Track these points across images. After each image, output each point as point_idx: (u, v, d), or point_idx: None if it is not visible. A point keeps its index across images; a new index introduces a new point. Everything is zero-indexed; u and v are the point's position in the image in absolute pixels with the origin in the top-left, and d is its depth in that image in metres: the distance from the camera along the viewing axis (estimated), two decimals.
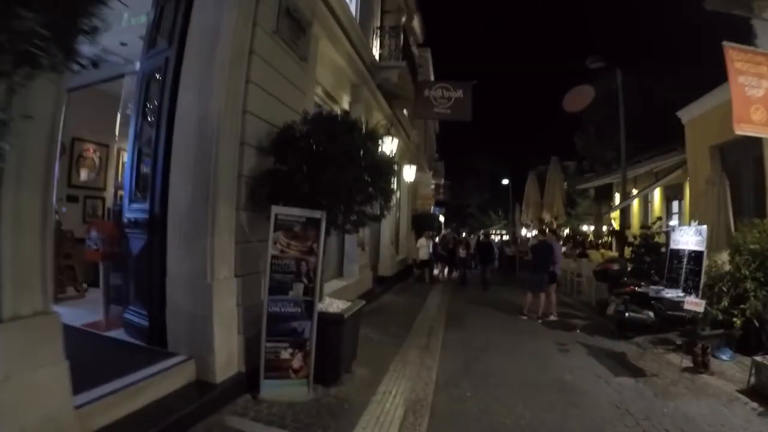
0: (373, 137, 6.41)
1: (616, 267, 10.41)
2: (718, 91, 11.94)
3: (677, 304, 8.58)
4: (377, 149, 6.36)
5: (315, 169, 5.88)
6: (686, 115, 14.00)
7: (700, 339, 7.93)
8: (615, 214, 26.58)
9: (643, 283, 9.97)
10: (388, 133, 12.63)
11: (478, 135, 74.87)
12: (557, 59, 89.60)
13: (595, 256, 21.25)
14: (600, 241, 27.14)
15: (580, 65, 15.08)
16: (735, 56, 9.12)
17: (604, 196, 30.06)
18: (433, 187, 32.19)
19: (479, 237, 23.14)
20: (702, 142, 13.10)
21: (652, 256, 12.08)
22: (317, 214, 5.91)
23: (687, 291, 8.01)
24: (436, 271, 21.44)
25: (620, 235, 14.71)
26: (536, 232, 25.72)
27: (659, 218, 16.05)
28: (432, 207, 34.07)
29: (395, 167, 6.84)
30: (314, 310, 5.95)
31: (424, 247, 19.32)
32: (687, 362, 7.75)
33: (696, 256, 8.02)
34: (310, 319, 5.94)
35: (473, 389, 6.62)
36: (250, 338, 5.94)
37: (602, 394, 6.61)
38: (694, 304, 7.26)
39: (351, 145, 5.95)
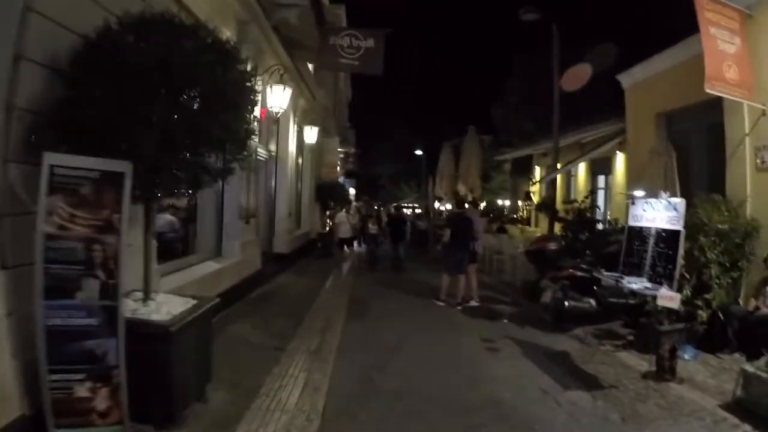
0: (225, 55, 4.13)
1: (553, 246, 8.68)
2: (670, 52, 10.49)
3: (621, 291, 7.41)
4: (229, 72, 4.03)
5: (123, 95, 3.60)
6: (628, 79, 12.44)
7: (657, 335, 6.31)
8: (535, 189, 25.60)
9: (583, 265, 8.34)
10: (281, 81, 10.37)
11: (392, 102, 72.84)
12: (482, 21, 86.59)
13: (514, 231, 19.98)
14: (516, 216, 25.99)
15: (510, 25, 13.35)
16: (706, 5, 7.45)
17: (521, 169, 29.05)
18: (342, 155, 30.04)
19: (389, 210, 20.68)
20: (646, 109, 11.63)
21: (587, 233, 10.53)
22: (119, 165, 3.63)
23: (655, 280, 6.28)
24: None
25: (551, 209, 13.00)
26: (451, 205, 24.27)
27: (591, 192, 14.62)
28: (342, 177, 31.95)
29: (254, 96, 4.58)
30: (119, 320, 3.72)
31: (345, 224, 17.28)
32: (644, 364, 6.24)
33: (668, 237, 6.25)
34: (114, 335, 3.72)
35: (376, 422, 4.64)
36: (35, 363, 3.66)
37: (555, 420, 4.82)
38: (669, 299, 5.56)
39: (180, 60, 3.68)
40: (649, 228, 6.63)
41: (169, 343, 3.97)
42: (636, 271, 6.70)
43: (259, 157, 13.02)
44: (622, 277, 6.67)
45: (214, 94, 3.78)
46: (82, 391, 3.66)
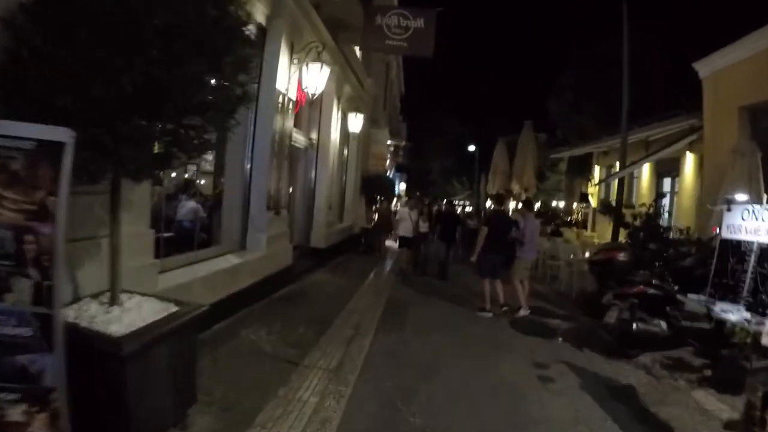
0: None
1: (623, 257, 7.42)
2: (758, 35, 9.11)
3: (696, 314, 6.40)
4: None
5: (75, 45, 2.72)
6: (706, 67, 11.02)
7: (743, 373, 5.16)
8: (593, 190, 24.11)
9: (656, 281, 7.13)
10: (318, 59, 9.45)
11: (445, 97, 71.55)
12: (537, 14, 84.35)
13: (570, 235, 18.64)
14: (571, 219, 24.56)
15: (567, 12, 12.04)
16: None
17: (579, 169, 27.56)
18: (392, 148, 29.07)
19: (440, 206, 19.21)
20: (727, 102, 10.25)
21: (655, 242, 9.28)
22: (58, 133, 2.72)
23: (756, 310, 5.08)
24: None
25: (616, 213, 11.64)
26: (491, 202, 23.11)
27: (659, 195, 13.25)
28: (391, 171, 30.99)
29: (248, 41, 3.64)
30: (55, 332, 2.84)
31: (407, 221, 13.88)
32: (724, 408, 5.20)
33: None
34: (50, 349, 2.85)
35: None
36: None
37: None
38: None
39: None
40: (751, 243, 5.39)
41: (121, 362, 3.07)
42: (729, 295, 5.48)
43: (295, 144, 12.21)
44: (712, 302, 5.46)
45: (180, 35, 2.82)
46: (14, 414, 2.84)
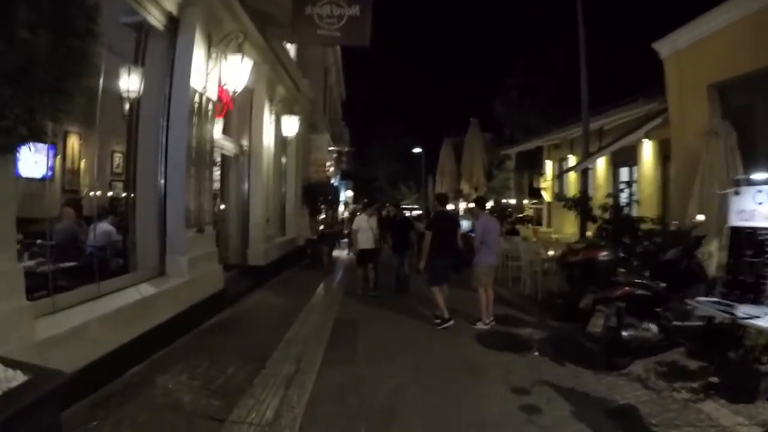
0: None
1: (604, 256, 6.43)
2: (724, 8, 8.43)
3: (687, 312, 5.86)
4: None
5: None
6: (668, 46, 10.26)
7: (758, 378, 4.30)
8: (546, 185, 23.52)
9: (643, 281, 6.26)
10: (239, 51, 8.29)
11: (387, 101, 70.64)
12: (479, 17, 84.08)
13: (526, 232, 17.90)
14: (524, 216, 23.98)
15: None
16: None
17: (527, 165, 27.12)
18: (336, 155, 27.91)
19: (389, 212, 17.31)
20: (693, 81, 9.50)
21: (629, 235, 8.46)
22: None
23: None
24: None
25: (583, 206, 10.67)
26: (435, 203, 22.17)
27: (627, 184, 12.54)
28: (336, 178, 29.77)
29: None
30: None
31: (366, 230, 11.27)
32: (743, 422, 4.40)
33: None
34: None
35: None
36: None
37: None
38: None
39: None
40: None
41: None
42: (745, 292, 4.56)
43: (224, 152, 10.99)
44: (732, 306, 4.52)
45: None
46: None
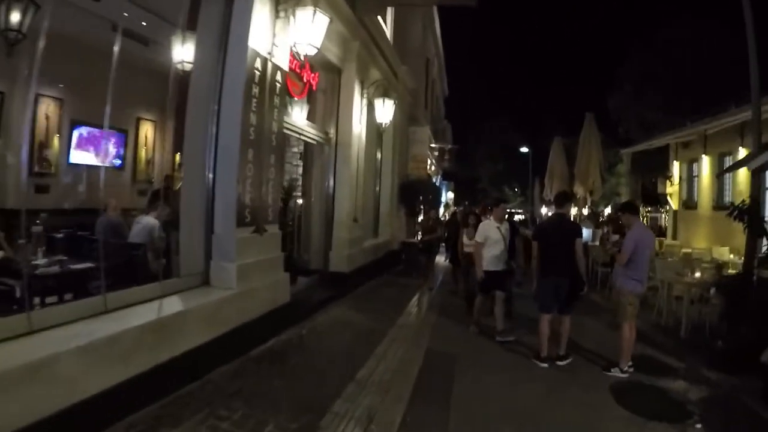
0: None
1: None
2: None
3: None
4: None
5: None
6: None
7: None
8: (672, 189, 20.61)
9: None
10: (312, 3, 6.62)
11: (493, 96, 67.80)
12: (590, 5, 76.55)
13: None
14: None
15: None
16: None
17: (645, 167, 24.09)
18: (437, 152, 26.04)
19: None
20: None
21: None
22: None
23: None
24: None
25: (754, 216, 7.70)
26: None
27: None
28: (437, 178, 27.89)
29: None
30: None
31: (498, 243, 7.47)
32: None
33: None
34: None
35: None
36: None
37: None
38: None
39: None
40: None
41: None
42: None
43: (305, 137, 9.42)
44: None
45: None
46: None
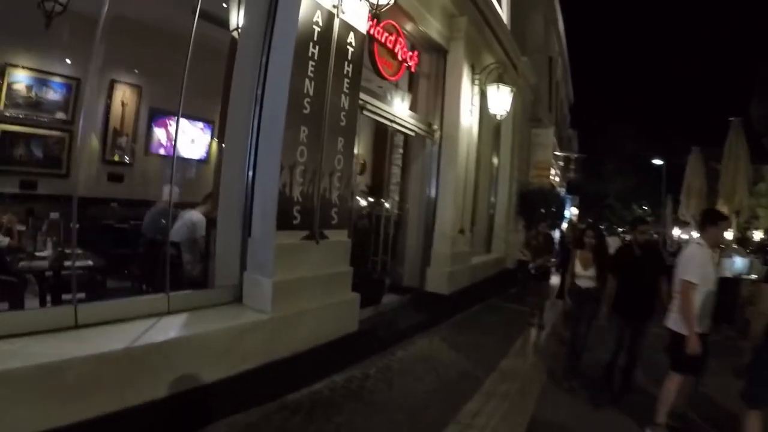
0: None
1: None
2: None
3: None
4: None
5: None
6: None
7: None
8: None
9: None
10: None
11: (622, 104, 62.46)
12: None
13: None
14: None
15: None
16: None
17: None
18: (562, 162, 23.55)
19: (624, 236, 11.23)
20: None
21: None
22: None
23: None
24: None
25: None
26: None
27: None
28: (563, 190, 25.18)
29: None
30: None
31: (711, 278, 4.35)
32: None
33: None
34: None
35: None
36: None
37: None
38: None
39: None
40: None
41: None
42: None
43: (406, 130, 7.87)
44: None
45: None
46: None
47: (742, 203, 15.68)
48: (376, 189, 9.04)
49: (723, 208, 17.02)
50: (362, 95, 6.24)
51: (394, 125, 7.54)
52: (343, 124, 5.22)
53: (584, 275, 5.80)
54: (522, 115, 13.81)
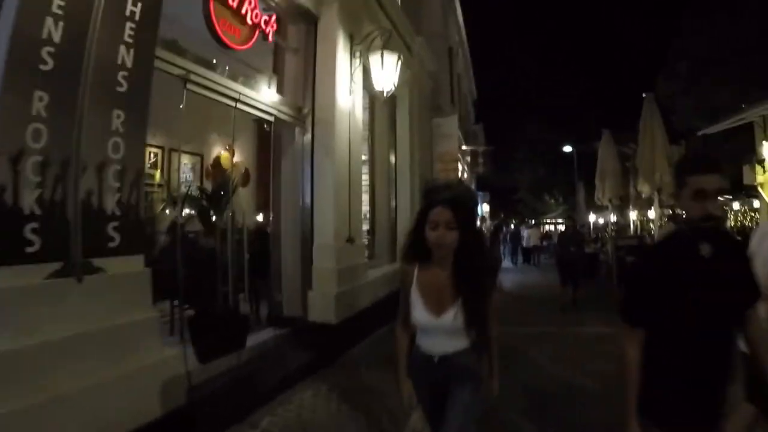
0: None
1: None
2: None
3: None
4: None
5: None
6: None
7: None
8: (763, 178, 16.54)
9: None
10: None
11: (526, 95, 62.53)
12: None
13: None
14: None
15: None
16: None
17: (722, 156, 20.05)
18: (469, 157, 22.27)
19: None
20: None
21: None
22: None
23: None
24: None
25: None
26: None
27: None
28: (471, 185, 23.88)
29: None
30: None
31: None
32: None
33: None
34: None
35: None
36: None
37: None
38: None
39: None
40: None
41: None
42: None
43: (259, 112, 6.02)
44: None
45: None
46: None
47: (662, 180, 14.75)
48: (264, 204, 7.16)
49: (643, 187, 16.09)
50: (189, 63, 4.61)
51: (242, 106, 5.63)
52: (122, 89, 3.32)
53: None
54: (420, 103, 12.22)
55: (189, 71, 4.61)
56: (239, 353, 5.12)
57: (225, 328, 4.99)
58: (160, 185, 9.00)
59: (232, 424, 4.04)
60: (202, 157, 10.09)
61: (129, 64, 3.41)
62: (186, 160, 9.75)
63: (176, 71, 4.48)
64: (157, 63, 3.96)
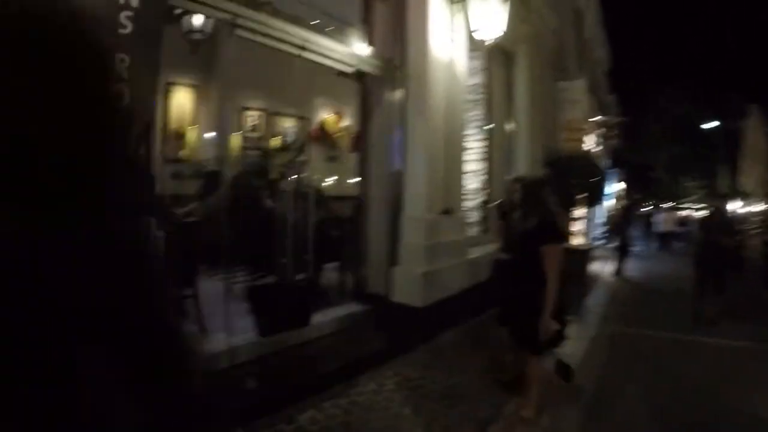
0: None
1: None
2: None
3: None
4: None
5: None
6: None
7: None
8: None
9: None
10: None
11: (666, 65, 57.56)
12: None
13: None
14: None
15: None
16: None
17: None
18: (601, 128, 20.28)
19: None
20: None
21: None
22: None
23: None
24: None
25: None
26: None
27: None
28: (604, 161, 21.76)
29: None
30: None
31: None
32: None
33: None
34: None
35: None
36: None
37: None
38: None
39: None
40: None
41: None
42: None
43: (343, 65, 5.28)
44: None
45: None
46: None
47: None
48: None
49: None
50: (235, 6, 3.97)
51: (311, 55, 4.88)
52: (126, 31, 2.73)
53: None
54: (542, 63, 10.93)
55: (236, 14, 3.94)
56: (300, 331, 4.50)
57: (285, 302, 4.39)
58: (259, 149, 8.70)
59: (263, 416, 3.37)
60: (308, 120, 9.68)
61: (134, 3, 2.82)
62: (289, 123, 9.50)
63: (220, 15, 3.85)
64: (195, 6, 3.41)
